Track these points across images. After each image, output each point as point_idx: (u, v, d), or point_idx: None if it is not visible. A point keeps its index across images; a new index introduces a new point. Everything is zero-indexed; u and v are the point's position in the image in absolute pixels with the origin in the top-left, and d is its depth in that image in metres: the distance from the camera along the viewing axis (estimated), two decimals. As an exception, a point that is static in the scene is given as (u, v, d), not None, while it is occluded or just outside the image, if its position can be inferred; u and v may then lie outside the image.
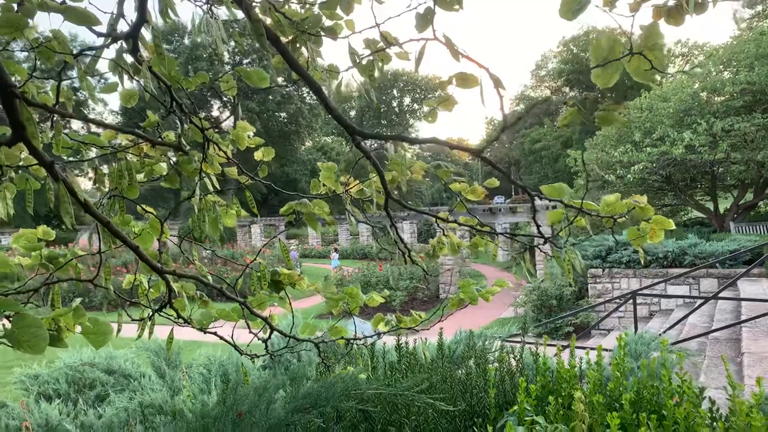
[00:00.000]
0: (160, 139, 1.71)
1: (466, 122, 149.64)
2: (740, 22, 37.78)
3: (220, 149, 1.82)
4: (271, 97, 43.16)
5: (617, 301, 11.56)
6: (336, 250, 27.50)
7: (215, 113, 45.42)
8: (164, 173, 1.83)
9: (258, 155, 1.95)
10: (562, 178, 26.77)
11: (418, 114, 64.44)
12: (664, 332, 9.85)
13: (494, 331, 6.79)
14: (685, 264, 14.29)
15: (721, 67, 18.99)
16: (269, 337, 1.86)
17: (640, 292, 9.74)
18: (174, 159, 1.84)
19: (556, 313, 14.95)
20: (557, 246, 1.91)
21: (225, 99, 43.42)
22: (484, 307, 19.57)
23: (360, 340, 2.02)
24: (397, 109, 65.93)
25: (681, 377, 1.95)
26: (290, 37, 1.57)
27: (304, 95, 46.03)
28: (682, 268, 14.16)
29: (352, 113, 64.27)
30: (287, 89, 42.56)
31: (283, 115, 45.28)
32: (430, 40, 1.54)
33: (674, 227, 2.07)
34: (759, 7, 36.13)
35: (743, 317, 9.48)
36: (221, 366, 3.03)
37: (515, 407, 1.90)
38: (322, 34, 1.75)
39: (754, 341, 8.30)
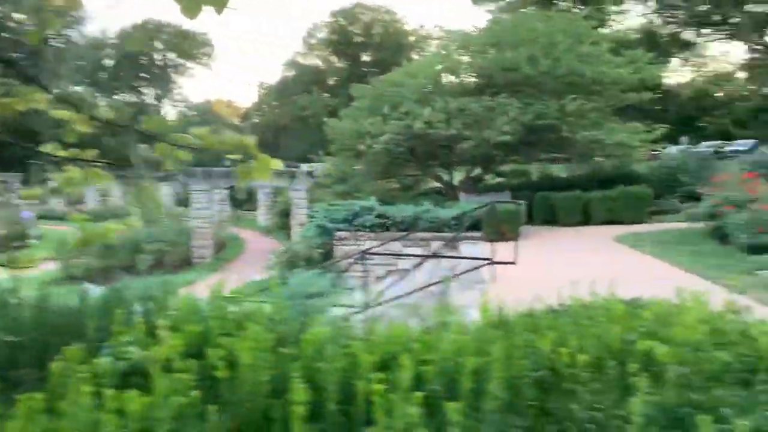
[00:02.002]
0: None
1: (237, 85, 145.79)
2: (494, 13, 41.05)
3: None
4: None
5: (351, 261, 12.27)
6: (79, 211, 25.09)
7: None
8: None
9: None
10: (327, 146, 27.18)
11: (180, 70, 61.07)
12: (389, 287, 10.66)
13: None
14: (420, 228, 15.59)
15: (462, 51, 21.00)
16: None
17: (368, 251, 10.45)
18: None
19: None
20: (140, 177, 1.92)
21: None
22: (242, 272, 19.44)
23: None
24: (161, 63, 61.80)
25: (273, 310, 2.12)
26: None
27: (47, 37, 40.73)
28: (418, 231, 15.41)
29: (108, 62, 58.73)
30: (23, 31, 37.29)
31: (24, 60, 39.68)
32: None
33: (282, 167, 2.22)
34: None
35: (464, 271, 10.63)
36: None
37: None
38: None
39: (459, 293, 9.48)
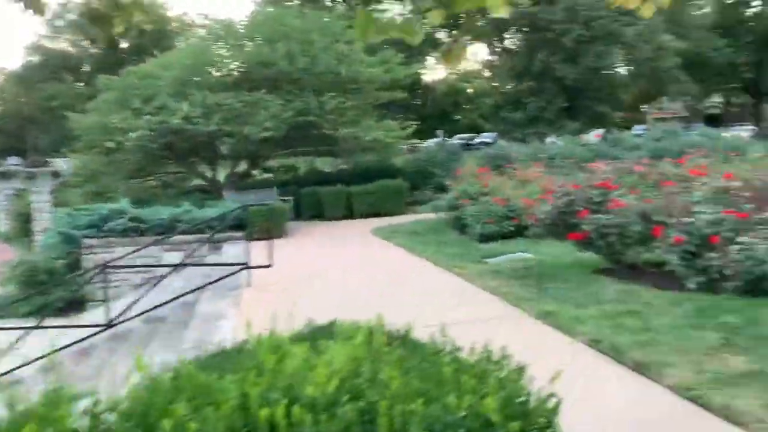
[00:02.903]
0: None
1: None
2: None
3: None
4: None
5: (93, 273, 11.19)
6: None
7: None
8: None
9: None
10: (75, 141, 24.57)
11: None
12: (141, 298, 9.84)
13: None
14: (179, 231, 14.78)
15: (222, 43, 20.32)
16: None
17: (109, 264, 9.57)
18: None
19: (47, 289, 13.74)
20: None
21: None
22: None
23: None
24: None
25: None
26: None
27: None
28: (178, 234, 14.60)
29: None
30: None
31: None
32: None
33: None
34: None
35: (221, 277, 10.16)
36: None
37: None
38: None
39: (209, 303, 9.08)
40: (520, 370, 2.03)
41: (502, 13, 1.99)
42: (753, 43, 44.07)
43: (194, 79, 17.97)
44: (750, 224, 6.06)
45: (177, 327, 8.63)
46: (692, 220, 6.26)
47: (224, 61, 19.42)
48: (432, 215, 15.71)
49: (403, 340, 2.73)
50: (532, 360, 5.56)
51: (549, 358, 5.41)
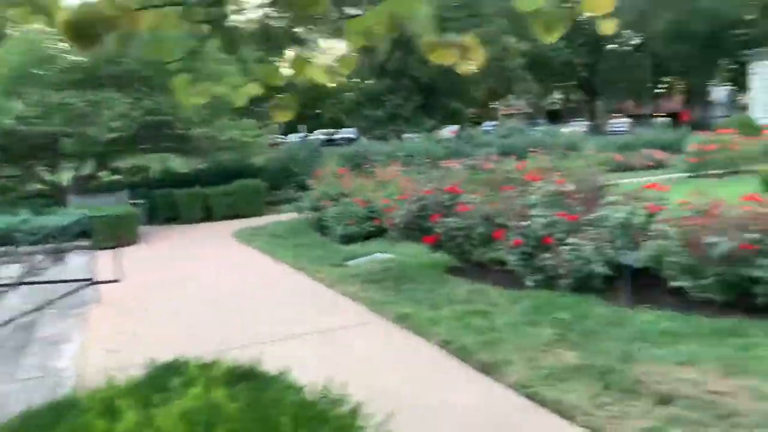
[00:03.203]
0: None
1: None
2: None
3: None
4: None
5: None
6: None
7: None
8: None
9: None
10: None
11: None
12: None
13: None
14: (19, 241, 13.64)
15: (58, 38, 18.78)
16: None
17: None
18: None
19: None
20: None
21: None
22: None
23: None
24: None
25: None
26: None
27: None
28: (16, 246, 13.47)
29: None
30: None
31: None
32: None
33: None
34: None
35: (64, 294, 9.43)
36: None
37: None
38: None
39: (50, 323, 8.43)
40: (355, 409, 2.12)
41: (332, 83, 2.09)
42: (586, 44, 48.22)
43: (33, 74, 16.50)
44: (579, 225, 6.67)
45: (14, 353, 7.92)
46: (528, 223, 6.78)
47: (64, 55, 17.95)
48: (294, 215, 15.62)
49: (248, 377, 2.73)
50: (390, 365, 5.76)
51: (406, 361, 5.66)
